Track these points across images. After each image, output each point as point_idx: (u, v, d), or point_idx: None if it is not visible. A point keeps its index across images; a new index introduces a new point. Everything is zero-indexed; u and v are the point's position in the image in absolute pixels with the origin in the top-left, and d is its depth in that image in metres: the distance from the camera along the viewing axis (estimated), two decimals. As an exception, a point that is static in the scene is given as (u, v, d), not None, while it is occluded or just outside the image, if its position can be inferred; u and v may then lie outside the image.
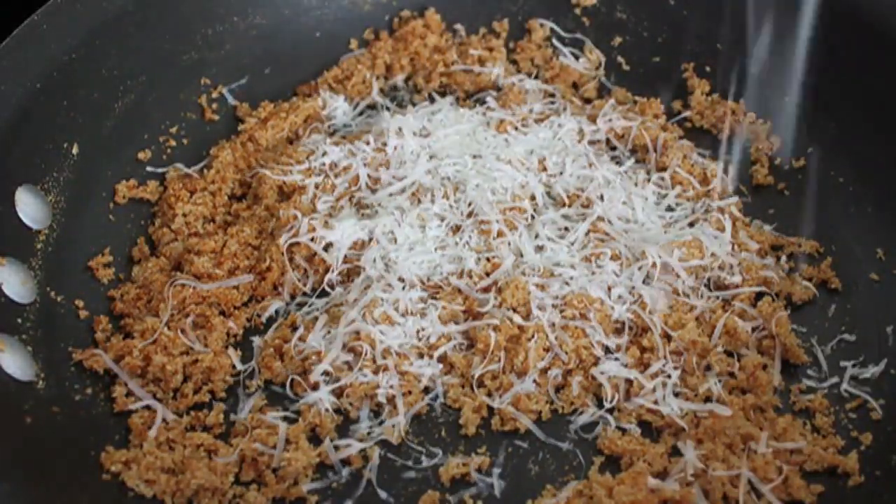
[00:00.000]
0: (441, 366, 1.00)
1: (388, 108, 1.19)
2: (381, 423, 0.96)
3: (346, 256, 1.04)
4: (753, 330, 1.01)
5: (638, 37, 1.23)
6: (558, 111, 1.18)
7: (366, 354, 0.98)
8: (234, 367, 1.00)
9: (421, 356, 0.99)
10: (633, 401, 0.97)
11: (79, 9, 1.09)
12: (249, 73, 1.21)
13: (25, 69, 1.04)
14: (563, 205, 1.09)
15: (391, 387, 0.97)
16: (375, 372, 0.97)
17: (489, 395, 0.98)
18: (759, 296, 1.04)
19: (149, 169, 1.13)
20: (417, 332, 1.00)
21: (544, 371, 0.99)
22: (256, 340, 1.02)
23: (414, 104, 1.21)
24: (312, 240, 1.04)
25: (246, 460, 0.93)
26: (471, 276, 1.03)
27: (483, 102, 1.20)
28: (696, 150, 1.15)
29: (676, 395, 0.97)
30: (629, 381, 0.98)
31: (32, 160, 1.03)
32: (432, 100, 1.21)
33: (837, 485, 0.92)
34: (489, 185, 1.07)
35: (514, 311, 1.00)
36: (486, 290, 1.03)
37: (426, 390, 0.99)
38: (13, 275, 0.98)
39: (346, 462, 0.94)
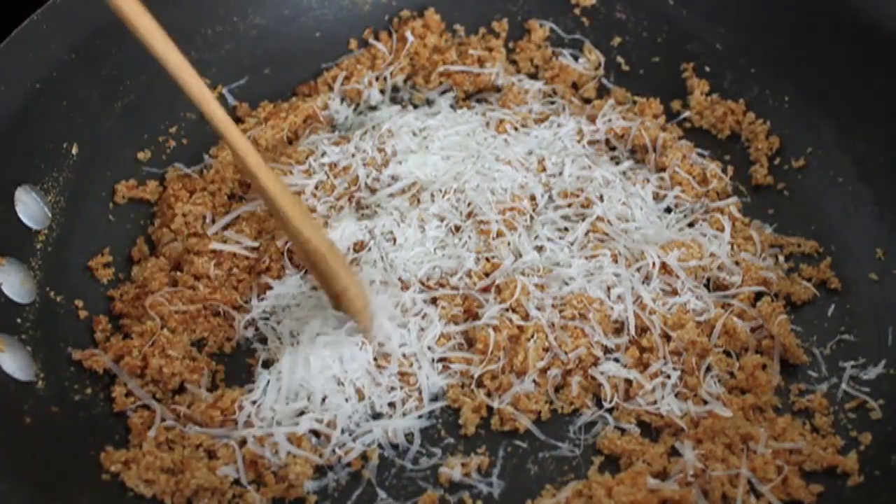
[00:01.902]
0: (441, 366, 1.00)
1: (387, 109, 1.19)
2: (381, 423, 0.96)
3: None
4: (753, 330, 1.01)
5: (638, 37, 1.23)
6: (558, 111, 1.18)
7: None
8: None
9: (420, 356, 0.99)
10: (633, 401, 0.97)
11: (79, 9, 1.09)
12: (249, 73, 1.21)
13: (25, 69, 1.04)
14: (563, 205, 1.09)
15: (391, 387, 0.97)
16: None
17: (489, 395, 0.98)
18: (759, 296, 1.04)
19: (148, 169, 1.13)
20: (417, 332, 1.00)
21: (544, 371, 0.99)
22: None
23: (414, 104, 1.21)
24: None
25: (246, 461, 0.93)
26: (470, 276, 1.03)
27: (483, 102, 1.20)
28: (696, 150, 1.15)
29: (676, 395, 0.97)
30: (629, 381, 0.98)
31: (32, 160, 1.03)
32: (431, 100, 1.21)
33: (837, 485, 0.92)
34: (489, 186, 1.08)
35: (514, 311, 1.00)
36: (485, 289, 1.03)
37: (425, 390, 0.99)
38: (13, 275, 0.98)
39: (346, 462, 0.94)
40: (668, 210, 1.11)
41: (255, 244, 1.06)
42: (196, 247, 1.05)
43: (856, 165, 1.10)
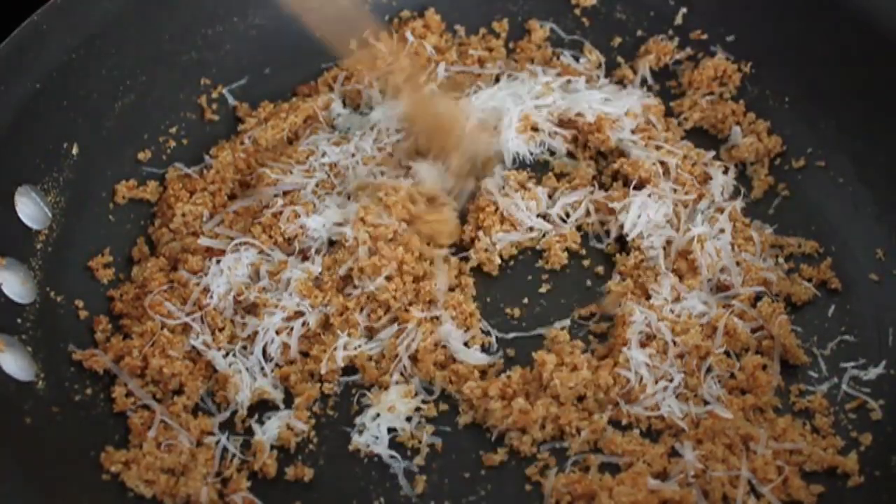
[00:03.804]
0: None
1: (388, 109, 1.18)
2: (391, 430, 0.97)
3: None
4: (753, 331, 1.01)
5: (638, 37, 1.23)
6: (558, 111, 1.18)
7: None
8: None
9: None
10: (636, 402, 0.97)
11: (79, 9, 1.09)
12: (249, 73, 1.20)
13: (25, 69, 1.04)
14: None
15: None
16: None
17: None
18: (759, 296, 1.04)
19: (148, 169, 1.13)
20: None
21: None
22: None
23: (414, 104, 1.21)
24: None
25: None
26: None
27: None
28: (696, 151, 1.15)
29: (676, 396, 0.97)
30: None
31: (32, 160, 1.03)
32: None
33: (837, 485, 0.92)
34: (489, 186, 1.08)
35: (514, 311, 1.01)
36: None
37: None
38: (13, 275, 0.98)
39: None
40: (669, 211, 1.10)
41: (245, 238, 1.05)
42: (192, 245, 1.05)
43: (856, 165, 1.10)
